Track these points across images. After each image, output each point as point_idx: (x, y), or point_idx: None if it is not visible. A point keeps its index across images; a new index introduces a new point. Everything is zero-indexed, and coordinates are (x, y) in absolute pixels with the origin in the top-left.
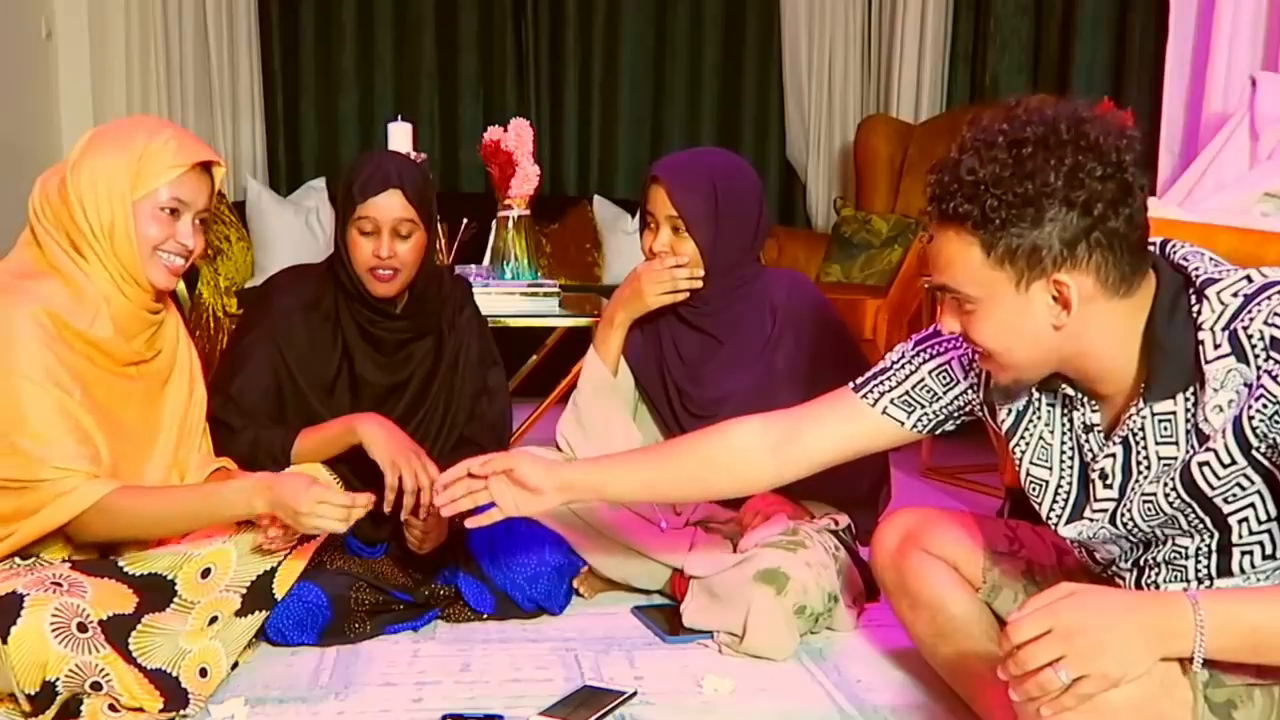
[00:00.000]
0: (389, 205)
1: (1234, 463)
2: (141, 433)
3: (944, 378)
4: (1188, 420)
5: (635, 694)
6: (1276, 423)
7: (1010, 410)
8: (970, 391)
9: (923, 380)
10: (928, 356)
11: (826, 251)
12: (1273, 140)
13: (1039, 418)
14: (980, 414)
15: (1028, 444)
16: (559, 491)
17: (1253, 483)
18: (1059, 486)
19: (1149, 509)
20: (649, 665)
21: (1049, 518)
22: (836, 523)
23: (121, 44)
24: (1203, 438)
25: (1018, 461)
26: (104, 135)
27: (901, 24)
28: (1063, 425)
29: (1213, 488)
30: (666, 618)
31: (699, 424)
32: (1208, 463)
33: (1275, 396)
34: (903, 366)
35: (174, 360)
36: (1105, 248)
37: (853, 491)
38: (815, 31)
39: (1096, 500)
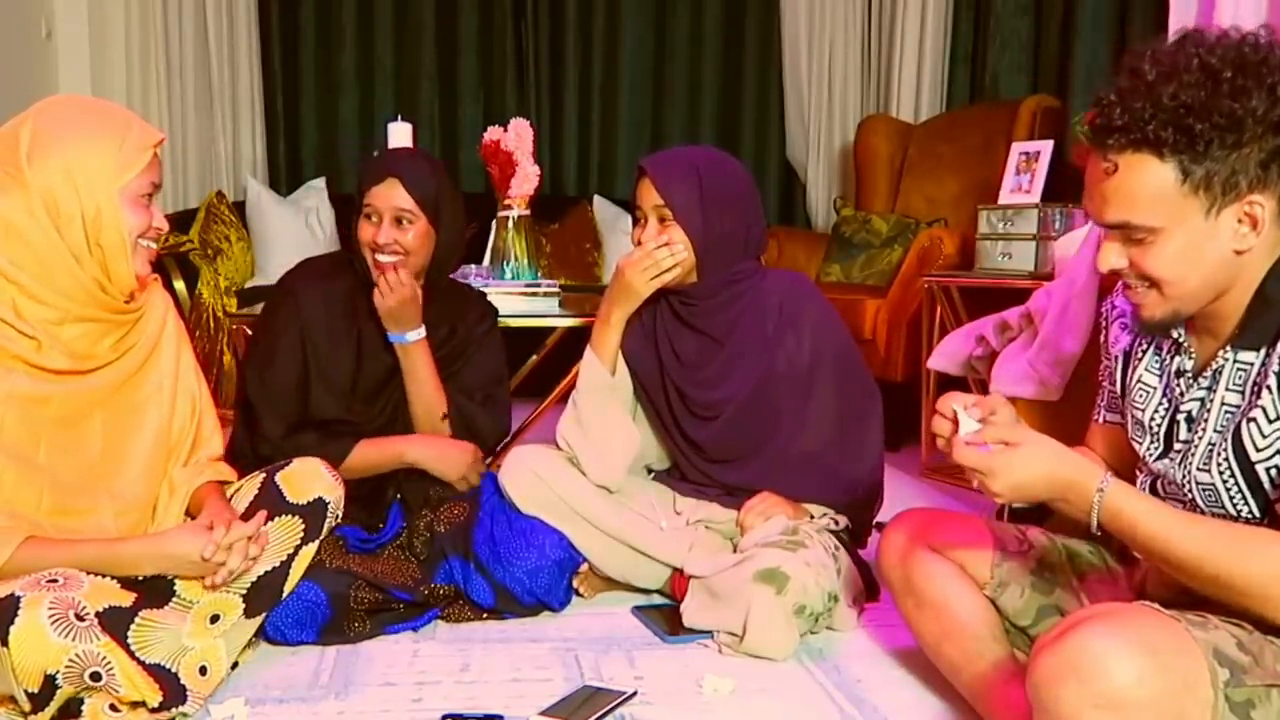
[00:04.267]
0: (388, 194)
1: (1278, 419)
2: (112, 441)
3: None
4: (1259, 374)
5: (635, 694)
6: None
7: (1118, 356)
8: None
9: (1109, 370)
10: (1103, 345)
11: (826, 251)
12: None
13: (1141, 360)
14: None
15: (1131, 387)
16: None
17: None
18: (1152, 427)
19: (1204, 463)
20: (649, 665)
21: (1145, 455)
22: (836, 522)
23: (121, 44)
24: (1258, 393)
25: (1126, 409)
26: (64, 124)
27: (901, 24)
28: (1162, 369)
29: (1257, 448)
30: (666, 618)
31: (700, 425)
32: (1255, 419)
33: None
34: (1103, 375)
35: (152, 352)
36: None
37: (849, 496)
38: (815, 32)
39: (1178, 441)
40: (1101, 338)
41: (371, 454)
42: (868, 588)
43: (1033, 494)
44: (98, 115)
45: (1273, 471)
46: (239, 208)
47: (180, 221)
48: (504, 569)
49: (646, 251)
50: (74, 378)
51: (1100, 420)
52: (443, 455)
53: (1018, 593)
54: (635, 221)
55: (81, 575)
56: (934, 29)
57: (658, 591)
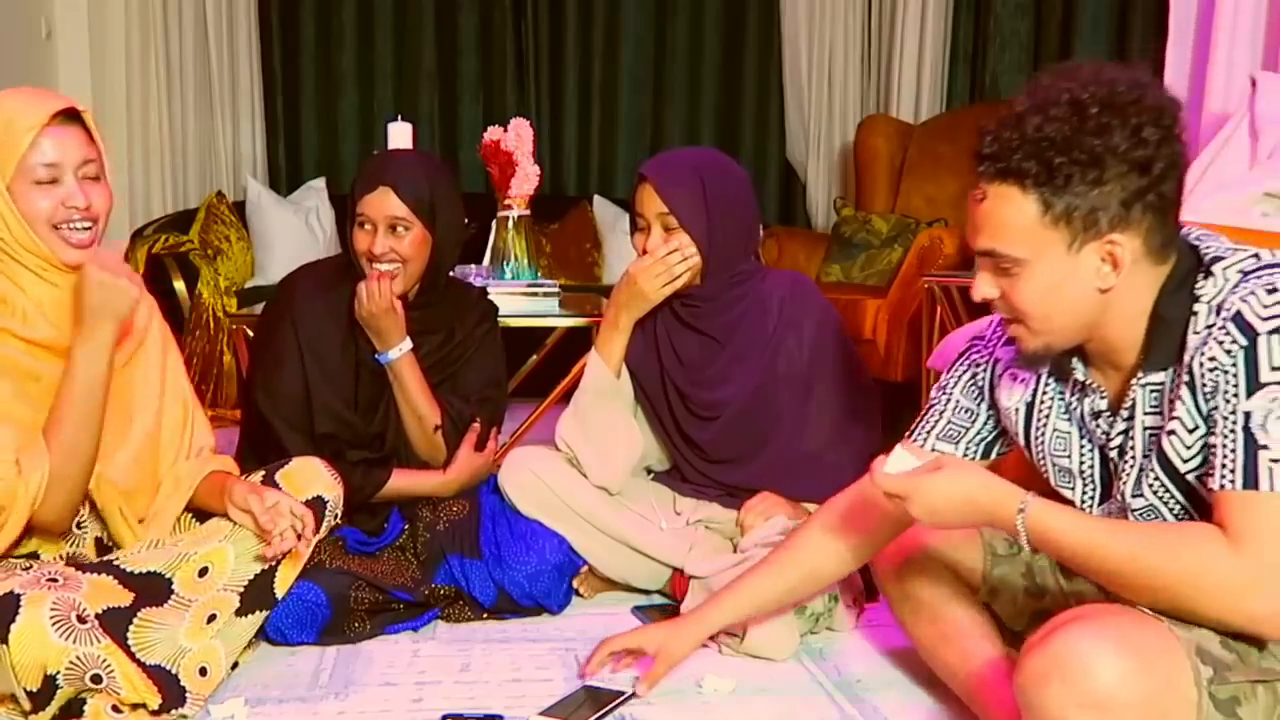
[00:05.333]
0: (381, 203)
1: (1196, 427)
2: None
3: (972, 393)
4: (1170, 390)
5: (635, 694)
6: (1215, 381)
7: (1017, 409)
8: (991, 396)
9: (957, 403)
10: (956, 378)
11: (826, 251)
12: (1273, 140)
13: (1049, 409)
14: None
15: (1044, 437)
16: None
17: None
18: (1083, 472)
19: (1137, 489)
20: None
21: (1082, 504)
22: None
23: (121, 44)
24: (1173, 405)
25: (1040, 459)
26: None
27: (901, 24)
28: (1074, 413)
29: (1183, 459)
30: (667, 618)
31: (701, 426)
32: (1175, 430)
33: (1219, 362)
34: (940, 398)
35: (139, 348)
36: (1156, 210)
37: None
38: (815, 31)
39: (1120, 478)
40: (969, 377)
41: (403, 485)
42: (867, 588)
43: (952, 519)
44: None
45: (1203, 475)
46: (239, 208)
47: (180, 221)
48: (504, 571)
49: (659, 258)
50: (62, 358)
51: (923, 446)
52: (474, 478)
53: (1009, 599)
54: (635, 228)
55: (80, 575)
56: (934, 29)
57: (658, 592)
